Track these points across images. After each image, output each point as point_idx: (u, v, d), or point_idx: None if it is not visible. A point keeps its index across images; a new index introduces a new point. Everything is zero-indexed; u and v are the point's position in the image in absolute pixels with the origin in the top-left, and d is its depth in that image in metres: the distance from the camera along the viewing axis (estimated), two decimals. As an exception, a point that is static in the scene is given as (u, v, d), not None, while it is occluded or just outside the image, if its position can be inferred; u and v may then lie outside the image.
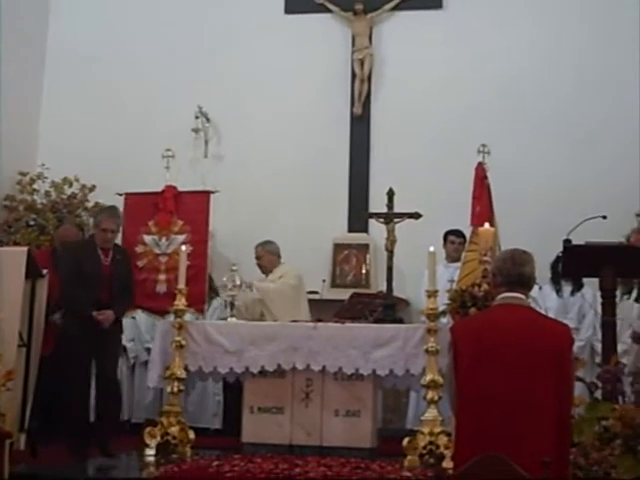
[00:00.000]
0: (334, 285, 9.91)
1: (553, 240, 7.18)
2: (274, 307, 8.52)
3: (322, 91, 10.48)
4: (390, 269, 8.11)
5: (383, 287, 8.43)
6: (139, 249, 9.12)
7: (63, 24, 11.02)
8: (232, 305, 8.10)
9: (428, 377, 7.00)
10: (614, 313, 6.20)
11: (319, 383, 7.53)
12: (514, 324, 4.19)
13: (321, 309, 8.82)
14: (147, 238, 9.32)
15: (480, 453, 3.58)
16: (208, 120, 10.58)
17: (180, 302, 7.56)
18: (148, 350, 8.85)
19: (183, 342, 7.51)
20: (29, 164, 10.35)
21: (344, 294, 8.81)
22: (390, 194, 8.14)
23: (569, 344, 4.17)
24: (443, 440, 6.84)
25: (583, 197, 9.32)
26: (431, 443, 6.90)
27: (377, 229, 8.96)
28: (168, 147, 9.66)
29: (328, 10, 10.65)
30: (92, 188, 10.32)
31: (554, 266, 8.36)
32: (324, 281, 9.41)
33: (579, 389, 4.60)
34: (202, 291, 8.89)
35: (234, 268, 8.26)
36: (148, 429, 7.43)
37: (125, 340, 8.69)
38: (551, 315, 7.40)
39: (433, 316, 7.12)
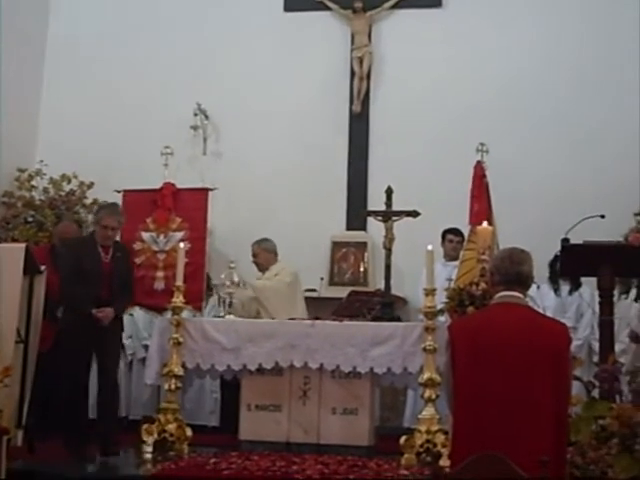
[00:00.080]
0: (332, 283, 9.90)
1: (551, 239, 7.17)
2: (269, 305, 8.51)
3: (321, 89, 10.48)
4: (388, 267, 8.12)
5: (381, 285, 8.45)
6: (137, 246, 9.14)
7: (63, 22, 11.02)
8: (230, 303, 8.10)
9: (426, 375, 7.00)
10: (612, 312, 6.21)
11: (317, 381, 7.53)
12: (512, 323, 4.18)
13: (319, 307, 8.83)
14: (145, 235, 9.33)
15: (477, 452, 3.58)
16: (207, 117, 10.57)
17: (178, 299, 7.56)
18: (146, 347, 8.85)
19: (181, 339, 7.51)
20: (28, 160, 10.34)
21: (342, 292, 8.80)
22: (388, 192, 8.14)
23: (567, 343, 4.17)
24: (440, 438, 6.85)
25: (581, 196, 9.32)
26: (428, 441, 6.90)
27: (375, 227, 8.96)
28: (167, 144, 9.68)
29: (327, 8, 10.65)
30: (90, 185, 10.31)
31: (552, 265, 8.36)
32: (322, 279, 9.42)
33: (576, 388, 4.62)
34: (200, 288, 8.91)
35: (232, 265, 8.27)
36: (145, 426, 7.42)
37: (123, 337, 8.68)
38: (549, 314, 7.38)
39: (431, 314, 7.11)
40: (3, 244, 8.58)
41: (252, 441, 7.54)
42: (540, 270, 7.10)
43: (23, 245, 7.06)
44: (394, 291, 8.56)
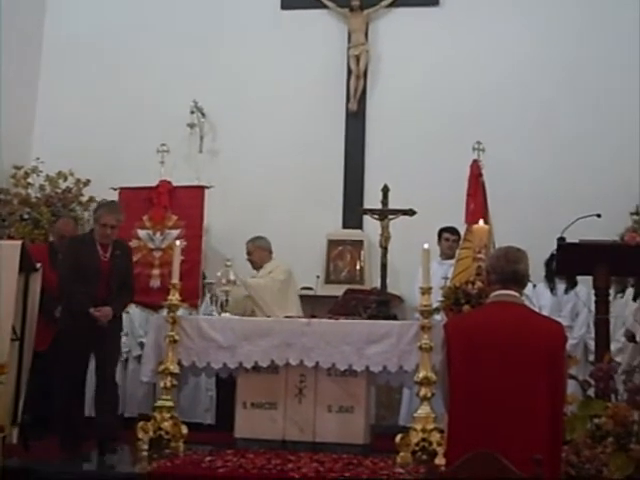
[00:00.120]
0: (328, 281, 9.91)
1: (547, 238, 7.18)
2: (263, 303, 8.51)
3: (318, 87, 10.47)
4: (384, 266, 8.11)
5: (377, 283, 8.44)
6: (133, 244, 9.13)
7: (59, 20, 11.02)
8: (226, 301, 8.10)
9: (421, 374, 7.00)
10: (607, 311, 6.21)
11: (312, 379, 7.53)
12: (507, 322, 4.19)
13: (315, 305, 8.82)
14: (141, 233, 9.34)
15: (473, 450, 3.58)
16: (203, 115, 10.57)
17: (174, 297, 7.55)
18: (141, 345, 8.85)
19: (177, 337, 7.50)
20: (24, 158, 10.34)
21: (338, 290, 8.80)
22: (385, 190, 8.14)
23: (562, 342, 4.18)
24: (436, 437, 6.85)
25: (578, 195, 9.32)
26: (424, 440, 6.89)
27: (371, 225, 8.96)
28: (163, 142, 9.68)
29: (324, 6, 10.65)
30: (87, 182, 10.32)
31: (548, 264, 8.39)
32: (318, 277, 9.39)
33: (572, 387, 4.61)
34: (196, 286, 8.91)
35: (228, 263, 8.26)
36: (141, 424, 7.42)
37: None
38: (545, 313, 7.40)
39: (427, 313, 7.11)
40: (-1, 241, 8.56)
41: (248, 439, 7.54)
42: (536, 269, 7.09)
43: (19, 242, 7.04)
44: (390, 289, 8.55)
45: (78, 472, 6.70)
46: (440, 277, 8.00)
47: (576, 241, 6.32)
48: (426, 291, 7.15)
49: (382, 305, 8.00)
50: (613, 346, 6.75)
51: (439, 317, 7.43)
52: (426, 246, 7.29)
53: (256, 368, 7.55)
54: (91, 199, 10.16)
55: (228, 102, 10.48)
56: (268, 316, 8.19)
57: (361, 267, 10.01)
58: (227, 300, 8.10)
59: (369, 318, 7.73)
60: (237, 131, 10.49)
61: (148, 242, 9.30)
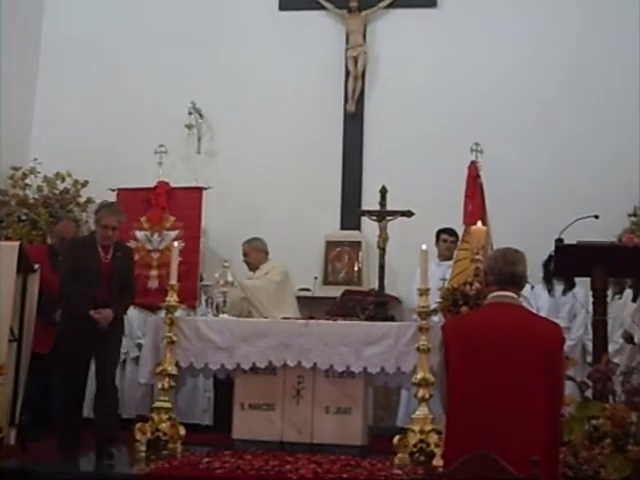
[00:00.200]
0: (326, 282, 9.91)
1: (545, 239, 7.19)
2: (259, 304, 8.50)
3: (316, 88, 10.48)
4: (382, 267, 8.10)
5: (375, 285, 8.43)
6: (131, 245, 9.09)
7: (57, 20, 11.02)
8: (224, 302, 8.09)
9: (419, 375, 7.00)
10: (605, 312, 6.22)
11: (310, 380, 7.53)
12: (505, 323, 4.19)
13: (313, 306, 8.83)
14: (139, 234, 9.32)
15: (470, 452, 3.58)
16: (201, 116, 10.57)
17: (172, 298, 7.54)
18: (139, 346, 8.84)
19: (174, 338, 7.50)
20: (22, 159, 10.33)
21: (336, 291, 8.80)
22: (383, 192, 8.14)
23: (560, 343, 4.17)
24: (433, 438, 6.85)
25: (575, 197, 9.33)
26: (421, 441, 6.89)
27: (369, 227, 8.95)
28: (161, 143, 9.66)
29: (322, 7, 10.66)
30: (85, 183, 10.32)
31: (546, 265, 8.39)
32: (316, 278, 9.40)
33: (570, 388, 4.63)
34: (194, 287, 8.89)
35: (226, 265, 8.26)
36: (139, 425, 7.42)
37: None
38: (543, 314, 7.42)
39: (425, 314, 7.11)
40: (-3, 242, 8.55)
41: (245, 440, 7.53)
42: (534, 270, 7.11)
43: (17, 243, 7.03)
44: (388, 291, 8.56)
45: (76, 473, 6.71)
46: (438, 278, 8.01)
47: (574, 242, 6.33)
48: (424, 292, 7.15)
49: (380, 306, 7.99)
50: (611, 347, 6.76)
51: (437, 318, 7.43)
52: (424, 247, 7.29)
53: (254, 369, 7.55)
54: (89, 200, 10.16)
55: (226, 103, 10.49)
56: (265, 317, 8.18)
57: (359, 268, 10.02)
58: (225, 301, 8.09)
59: (367, 319, 7.73)
60: (235, 132, 10.50)
61: (146, 243, 9.28)
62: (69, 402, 7.15)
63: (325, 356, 7.39)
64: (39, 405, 7.53)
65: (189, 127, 10.52)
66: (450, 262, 8.39)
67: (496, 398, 4.03)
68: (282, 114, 10.41)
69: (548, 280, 8.61)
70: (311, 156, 10.29)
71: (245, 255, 8.95)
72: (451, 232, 9.01)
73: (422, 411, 7.00)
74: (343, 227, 10.26)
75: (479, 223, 7.65)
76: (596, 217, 7.02)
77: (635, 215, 9.34)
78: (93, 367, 7.36)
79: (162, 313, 7.83)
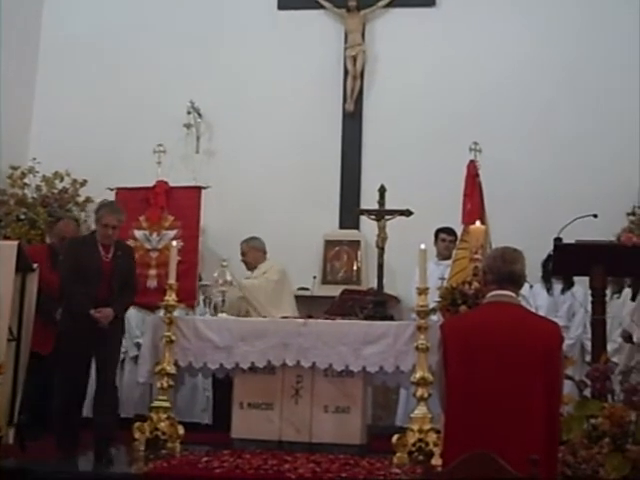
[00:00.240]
0: (325, 282, 9.91)
1: (544, 238, 7.19)
2: (257, 303, 8.50)
3: (314, 88, 10.48)
4: (381, 266, 8.10)
5: (374, 284, 8.43)
6: (130, 244, 9.10)
7: (56, 19, 11.02)
8: (223, 302, 8.09)
9: (418, 374, 7.00)
10: (604, 312, 6.22)
11: (309, 379, 7.53)
12: (504, 322, 4.19)
13: (311, 306, 8.83)
14: (138, 233, 9.32)
15: (469, 451, 3.58)
16: (200, 115, 10.57)
17: (170, 297, 7.55)
18: (138, 345, 8.83)
19: (173, 337, 7.50)
20: (20, 158, 10.32)
21: (335, 291, 8.81)
22: (381, 191, 8.13)
23: (559, 342, 4.17)
24: (432, 437, 6.85)
25: (574, 196, 9.33)
26: (420, 440, 6.90)
27: (368, 226, 8.95)
28: (160, 142, 9.65)
29: (321, 6, 10.66)
30: (83, 183, 10.31)
31: (545, 264, 8.39)
32: (315, 277, 9.41)
33: (568, 387, 4.63)
34: (193, 287, 8.89)
35: (224, 264, 8.26)
36: (137, 424, 7.42)
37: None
38: (541, 313, 7.41)
39: (423, 313, 7.12)
40: (-5, 242, 8.55)
41: (244, 439, 7.53)
42: (533, 269, 7.12)
43: (15, 243, 7.04)
44: (387, 290, 8.55)
45: (74, 472, 6.70)
46: (437, 278, 8.02)
47: (573, 241, 6.33)
48: (423, 291, 7.15)
49: (379, 305, 7.99)
50: (610, 346, 6.76)
51: (436, 318, 7.43)
52: (423, 246, 7.29)
53: (253, 368, 7.55)
54: (88, 199, 10.15)
55: (225, 102, 10.49)
56: (263, 316, 8.18)
57: (358, 267, 10.02)
58: (223, 301, 8.09)
59: (366, 319, 7.72)
60: (234, 131, 10.49)
61: (145, 243, 9.28)
62: (68, 402, 7.12)
63: (324, 355, 7.39)
64: (38, 404, 7.52)
65: (188, 126, 10.52)
66: (449, 261, 8.40)
67: (495, 397, 4.02)
68: (281, 113, 10.41)
69: (547, 279, 8.61)
70: (310, 155, 10.29)
71: (243, 254, 8.95)
72: (450, 231, 9.01)
73: (421, 410, 7.00)
74: (342, 226, 10.26)
75: (478, 222, 7.65)
76: (595, 216, 7.02)
77: (634, 214, 9.34)
78: (94, 367, 7.36)
79: (161, 312, 7.82)
